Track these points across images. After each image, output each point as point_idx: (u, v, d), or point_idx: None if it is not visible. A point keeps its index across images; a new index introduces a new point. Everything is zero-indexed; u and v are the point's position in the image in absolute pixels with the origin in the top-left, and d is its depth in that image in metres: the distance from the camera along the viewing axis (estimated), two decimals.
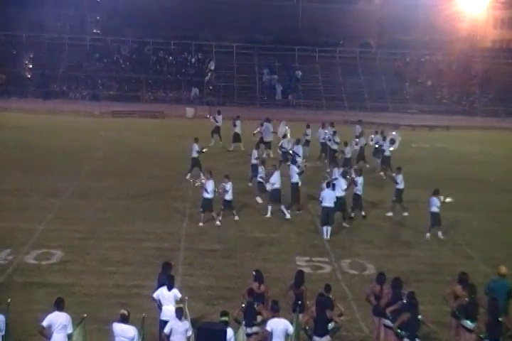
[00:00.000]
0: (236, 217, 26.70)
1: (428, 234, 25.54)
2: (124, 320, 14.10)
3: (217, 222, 25.99)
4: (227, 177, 26.29)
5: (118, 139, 43.37)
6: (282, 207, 27.36)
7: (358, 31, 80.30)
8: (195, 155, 32.43)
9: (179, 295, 15.71)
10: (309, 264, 22.27)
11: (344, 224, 26.27)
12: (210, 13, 78.67)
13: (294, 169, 28.51)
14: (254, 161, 31.31)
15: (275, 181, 27.08)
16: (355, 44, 78.56)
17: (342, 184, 26.48)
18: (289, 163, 31.46)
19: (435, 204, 25.18)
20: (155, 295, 15.90)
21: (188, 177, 31.85)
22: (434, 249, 24.63)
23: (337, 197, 25.52)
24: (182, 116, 55.78)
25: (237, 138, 40.61)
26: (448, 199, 25.52)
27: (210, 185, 25.69)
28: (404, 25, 78.01)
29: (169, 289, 15.79)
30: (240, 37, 76.12)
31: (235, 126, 40.59)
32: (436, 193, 25.36)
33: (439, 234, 25.54)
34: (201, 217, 25.89)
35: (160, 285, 16.15)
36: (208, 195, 25.76)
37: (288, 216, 27.11)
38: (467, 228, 25.76)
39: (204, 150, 32.87)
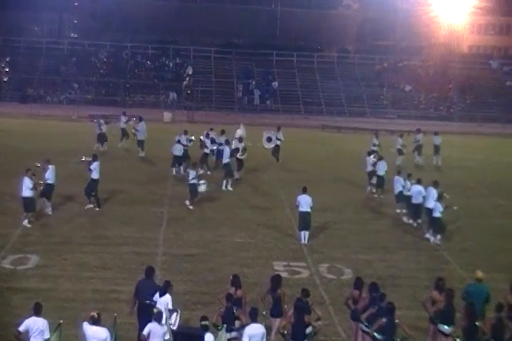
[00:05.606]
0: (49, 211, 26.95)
1: (433, 239, 25.65)
2: (95, 322, 14.03)
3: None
4: (49, 162, 26.69)
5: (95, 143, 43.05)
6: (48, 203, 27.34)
7: (336, 36, 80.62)
8: (177, 153, 34.37)
9: (169, 306, 15.51)
10: (287, 269, 22.26)
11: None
12: (188, 17, 78.65)
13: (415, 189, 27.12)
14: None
15: (49, 177, 26.89)
16: (333, 49, 78.86)
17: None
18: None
19: (438, 210, 25.14)
20: (154, 298, 15.74)
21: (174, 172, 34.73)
22: (411, 253, 24.69)
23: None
24: (160, 121, 55.58)
25: (102, 138, 41.58)
26: (455, 208, 25.90)
27: (26, 182, 25.26)
28: (383, 30, 78.51)
29: (160, 295, 15.66)
30: (218, 41, 76.26)
31: (100, 126, 41.65)
32: (440, 198, 25.34)
33: (436, 238, 25.58)
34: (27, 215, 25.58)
35: (140, 290, 16.14)
36: (27, 193, 25.31)
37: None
38: (444, 233, 25.80)
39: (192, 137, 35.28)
